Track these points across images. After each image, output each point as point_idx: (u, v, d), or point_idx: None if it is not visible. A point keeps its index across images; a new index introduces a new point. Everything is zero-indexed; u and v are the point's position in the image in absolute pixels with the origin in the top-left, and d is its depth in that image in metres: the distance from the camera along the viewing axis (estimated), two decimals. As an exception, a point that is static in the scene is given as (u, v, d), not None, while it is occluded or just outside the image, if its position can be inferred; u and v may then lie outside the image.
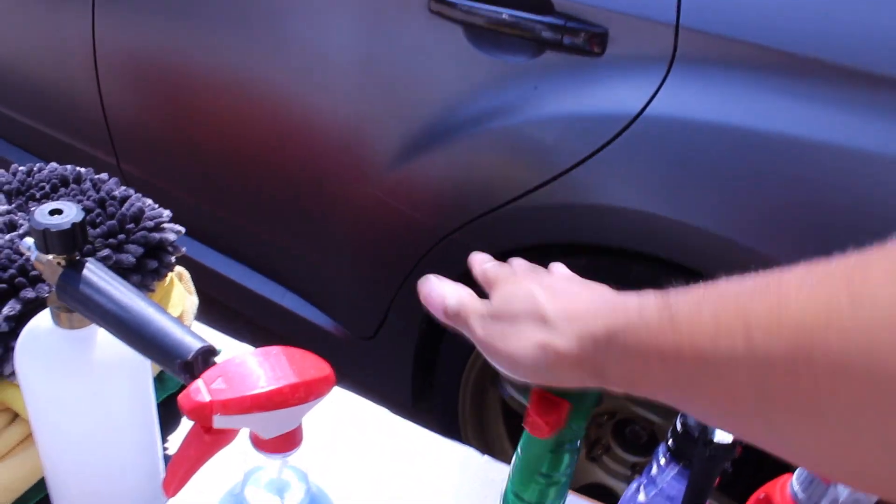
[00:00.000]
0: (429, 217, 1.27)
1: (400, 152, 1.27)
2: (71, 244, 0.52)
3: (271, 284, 1.61)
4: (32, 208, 0.77)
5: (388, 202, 1.31)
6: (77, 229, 0.52)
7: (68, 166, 0.83)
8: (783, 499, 0.56)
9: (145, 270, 0.73)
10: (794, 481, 0.56)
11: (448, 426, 1.49)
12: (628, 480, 1.40)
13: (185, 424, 0.79)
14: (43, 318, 0.58)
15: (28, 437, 0.70)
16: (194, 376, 0.48)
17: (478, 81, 1.17)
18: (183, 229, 0.76)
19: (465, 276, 1.51)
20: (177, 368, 0.48)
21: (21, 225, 0.74)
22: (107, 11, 1.57)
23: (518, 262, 0.54)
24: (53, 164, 0.83)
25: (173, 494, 0.49)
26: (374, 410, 0.85)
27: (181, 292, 0.83)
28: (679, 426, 0.54)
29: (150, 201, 0.79)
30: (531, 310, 0.46)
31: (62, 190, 0.80)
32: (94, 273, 0.53)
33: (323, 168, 1.38)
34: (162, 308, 0.51)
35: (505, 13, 1.13)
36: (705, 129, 1.01)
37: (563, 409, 0.47)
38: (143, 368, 0.61)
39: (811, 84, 0.96)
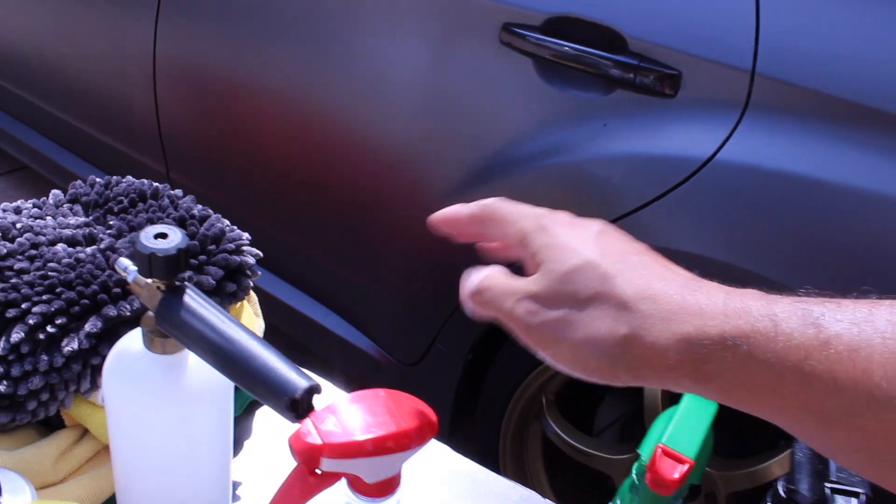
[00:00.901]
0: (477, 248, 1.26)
1: (460, 181, 1.27)
2: (174, 269, 0.52)
3: (313, 303, 1.60)
4: (112, 222, 0.77)
5: (443, 232, 1.30)
6: (182, 255, 0.51)
7: (145, 181, 0.83)
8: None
9: (224, 293, 0.72)
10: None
11: (486, 458, 1.47)
12: None
13: (248, 449, 0.78)
14: (133, 341, 0.57)
15: (97, 455, 0.69)
16: (300, 416, 0.48)
17: (545, 115, 1.17)
18: (261, 253, 0.76)
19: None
20: (283, 406, 0.47)
21: (102, 239, 0.74)
22: (170, 19, 1.59)
23: (560, 216, 0.45)
24: (130, 178, 0.83)
25: None
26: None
27: (250, 315, 0.82)
28: (782, 487, 0.52)
29: (227, 222, 0.78)
30: (602, 291, 0.38)
31: (140, 205, 0.80)
32: (195, 300, 0.52)
33: (378, 191, 1.38)
34: (265, 341, 0.51)
35: (576, 49, 1.12)
36: (775, 178, 1.00)
37: (687, 467, 0.46)
38: (228, 397, 0.60)
39: (878, 135, 0.95)
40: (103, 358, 0.60)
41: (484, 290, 0.43)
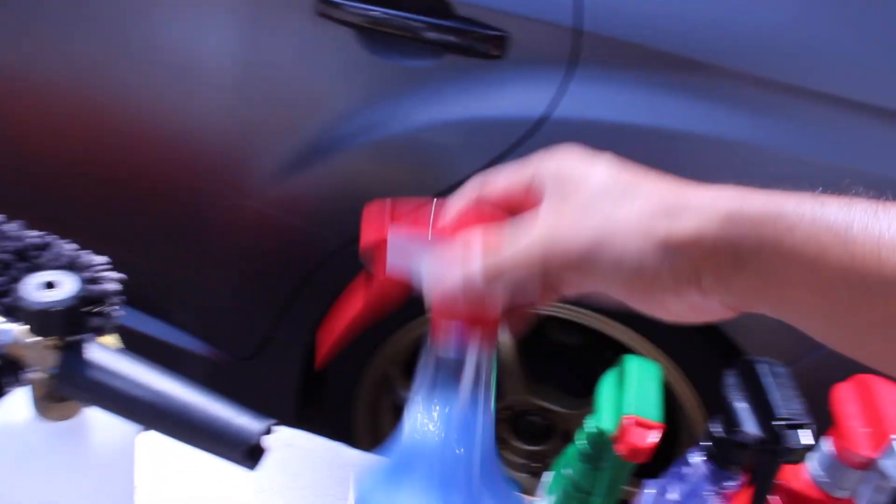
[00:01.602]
0: (322, 229, 1.22)
1: (287, 163, 1.20)
2: (75, 323, 0.44)
3: (129, 311, 1.46)
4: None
5: (273, 216, 1.24)
6: (81, 304, 0.44)
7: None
8: (803, 483, 0.60)
9: (90, 329, 0.63)
10: (814, 466, 0.60)
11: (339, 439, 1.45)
12: (526, 469, 1.44)
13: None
14: (12, 411, 0.48)
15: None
16: (257, 461, 0.43)
17: (373, 87, 1.13)
18: (123, 276, 0.67)
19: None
20: (240, 456, 0.43)
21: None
22: None
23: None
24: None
25: (323, 364, 0.44)
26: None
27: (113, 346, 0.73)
28: (719, 430, 0.55)
29: (74, 246, 0.68)
30: (627, 195, 0.37)
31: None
32: (104, 353, 0.45)
33: (196, 184, 1.28)
34: (194, 384, 0.45)
35: (399, 16, 1.09)
36: (612, 130, 1.04)
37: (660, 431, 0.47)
38: (132, 451, 0.53)
39: (700, 83, 1.03)
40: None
41: (499, 275, 0.37)
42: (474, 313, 0.39)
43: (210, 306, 1.43)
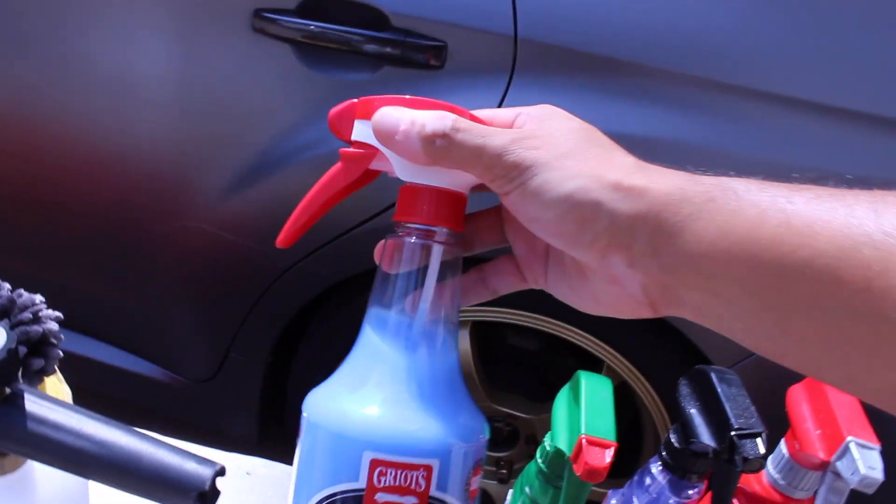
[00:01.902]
0: (271, 247, 1.19)
1: (228, 182, 1.18)
2: (6, 377, 0.43)
3: (79, 338, 1.43)
4: None
5: (222, 235, 1.22)
6: (14, 357, 0.42)
7: None
8: (762, 486, 0.61)
9: (31, 372, 0.61)
10: (769, 469, 0.60)
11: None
12: (495, 476, 1.43)
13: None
14: (-50, 467, 0.47)
15: None
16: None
17: (313, 102, 1.12)
18: (61, 315, 0.65)
19: (315, 302, 1.43)
20: (191, 502, 0.41)
21: None
22: None
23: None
24: None
25: (288, 244, 0.45)
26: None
27: (55, 384, 0.71)
28: (675, 440, 0.55)
29: (7, 285, 0.66)
30: (596, 139, 0.38)
31: None
32: (41, 405, 0.44)
33: (138, 206, 1.25)
34: (138, 432, 0.44)
35: (336, 29, 1.08)
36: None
37: (614, 450, 0.47)
38: (85, 500, 0.51)
39: (634, 85, 1.04)
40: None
41: (462, 130, 0.38)
42: (433, 159, 0.38)
43: (165, 330, 1.40)
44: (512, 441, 1.42)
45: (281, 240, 0.45)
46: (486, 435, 0.41)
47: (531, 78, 1.06)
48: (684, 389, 0.56)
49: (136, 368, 1.43)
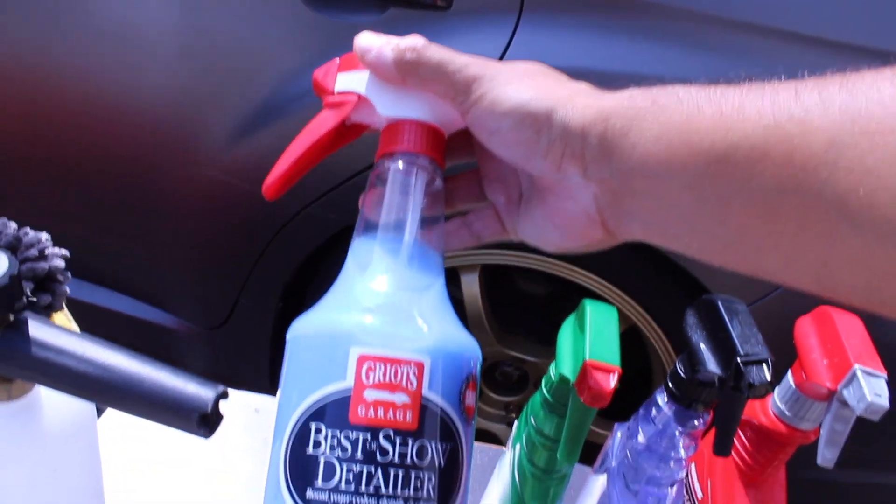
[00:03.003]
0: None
1: (234, 129, 1.18)
2: (9, 302, 0.43)
3: (91, 287, 1.44)
4: None
5: (230, 182, 1.21)
6: (16, 283, 0.43)
7: None
8: (767, 418, 0.61)
9: (38, 308, 0.62)
10: (776, 400, 0.60)
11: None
12: (504, 420, 1.45)
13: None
14: (-42, 393, 0.47)
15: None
16: (212, 429, 0.42)
17: (318, 45, 1.11)
18: (67, 253, 0.65)
19: (324, 248, 1.44)
20: (193, 424, 0.42)
21: None
22: None
23: None
24: None
25: (275, 196, 0.44)
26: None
27: (63, 322, 0.71)
28: (681, 369, 0.55)
29: (13, 224, 0.66)
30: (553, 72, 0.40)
31: None
32: (44, 330, 0.44)
33: (145, 154, 1.24)
34: (147, 356, 0.44)
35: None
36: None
37: (618, 375, 0.47)
38: (94, 426, 0.52)
39: (643, 23, 1.01)
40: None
41: (430, 47, 0.40)
42: (406, 76, 0.40)
43: (175, 278, 1.41)
44: (521, 385, 1.42)
45: (266, 188, 0.44)
46: (479, 355, 0.40)
47: (539, 18, 1.04)
48: (691, 319, 0.55)
49: (147, 316, 1.45)
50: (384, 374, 0.35)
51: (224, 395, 0.43)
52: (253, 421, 0.79)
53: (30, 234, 0.65)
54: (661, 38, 1.00)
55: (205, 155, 1.21)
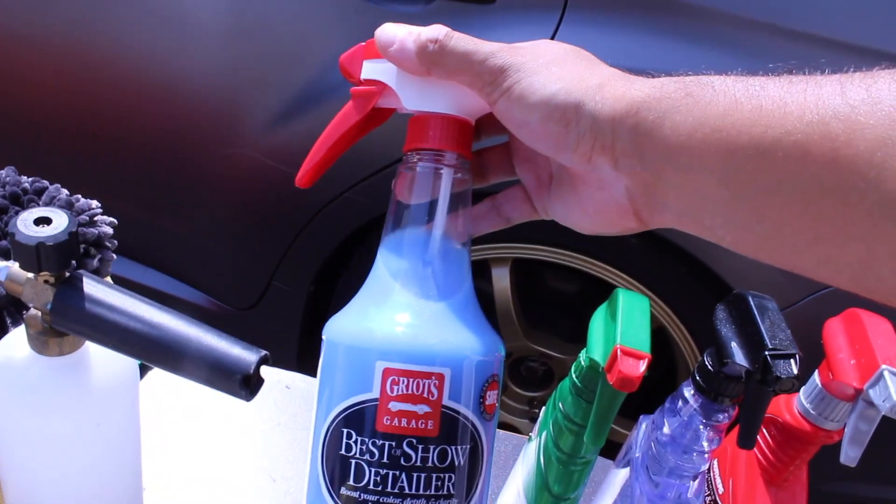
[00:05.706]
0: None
1: (278, 112, 1.20)
2: (67, 258, 0.45)
3: (126, 262, 1.47)
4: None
5: (269, 164, 1.24)
6: (74, 240, 0.44)
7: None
8: (792, 416, 0.61)
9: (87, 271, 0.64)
10: (801, 398, 0.61)
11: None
12: (527, 415, 1.45)
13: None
14: (13, 347, 0.49)
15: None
16: (253, 392, 0.44)
17: (364, 32, 1.11)
18: (115, 221, 0.68)
19: (358, 234, 1.45)
20: (236, 386, 0.43)
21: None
22: None
23: None
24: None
25: (306, 184, 0.45)
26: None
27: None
28: (709, 362, 0.56)
29: (66, 191, 0.69)
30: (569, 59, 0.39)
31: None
32: (98, 288, 0.46)
33: (187, 134, 1.27)
34: (189, 317, 0.46)
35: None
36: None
37: (647, 361, 0.48)
38: (136, 385, 0.54)
39: (681, 23, 1.02)
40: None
41: (454, 37, 0.39)
42: (430, 66, 0.39)
43: (210, 257, 1.43)
44: (546, 381, 1.43)
45: (299, 179, 0.45)
46: (502, 352, 0.42)
47: (582, 14, 1.04)
48: (721, 313, 0.56)
49: (182, 294, 1.48)
50: (407, 387, 0.38)
51: (266, 360, 0.44)
52: (284, 396, 0.81)
53: (81, 200, 0.67)
54: (702, 40, 1.01)
55: (247, 136, 1.24)
